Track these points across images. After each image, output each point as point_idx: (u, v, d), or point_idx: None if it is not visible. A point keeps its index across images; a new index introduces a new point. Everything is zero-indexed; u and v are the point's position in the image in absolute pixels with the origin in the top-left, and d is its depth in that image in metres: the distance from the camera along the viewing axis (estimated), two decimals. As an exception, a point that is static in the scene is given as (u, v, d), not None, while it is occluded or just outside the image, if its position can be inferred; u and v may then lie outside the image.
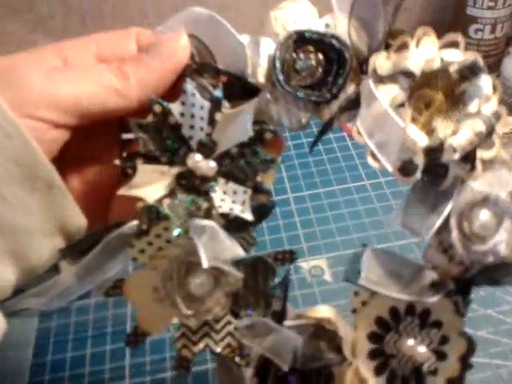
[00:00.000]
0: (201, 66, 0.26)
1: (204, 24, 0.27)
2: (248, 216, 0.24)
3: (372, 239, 0.53)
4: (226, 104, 0.25)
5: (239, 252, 0.24)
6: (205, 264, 0.23)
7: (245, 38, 0.26)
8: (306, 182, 0.60)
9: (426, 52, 0.26)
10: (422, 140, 0.25)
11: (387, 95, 0.26)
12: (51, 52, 0.25)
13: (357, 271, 0.27)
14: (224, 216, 0.24)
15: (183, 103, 0.25)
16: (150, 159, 0.25)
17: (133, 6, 0.68)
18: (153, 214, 0.24)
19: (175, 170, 0.25)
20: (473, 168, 0.26)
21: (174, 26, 0.27)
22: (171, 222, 0.24)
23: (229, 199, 0.25)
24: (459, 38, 0.27)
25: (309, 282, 0.51)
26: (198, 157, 0.25)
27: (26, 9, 0.66)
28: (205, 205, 0.24)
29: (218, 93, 0.25)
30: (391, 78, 0.26)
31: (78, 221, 0.25)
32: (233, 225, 0.24)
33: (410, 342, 0.28)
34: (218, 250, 0.24)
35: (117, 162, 0.25)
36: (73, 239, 0.25)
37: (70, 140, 0.24)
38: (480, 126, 0.26)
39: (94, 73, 0.24)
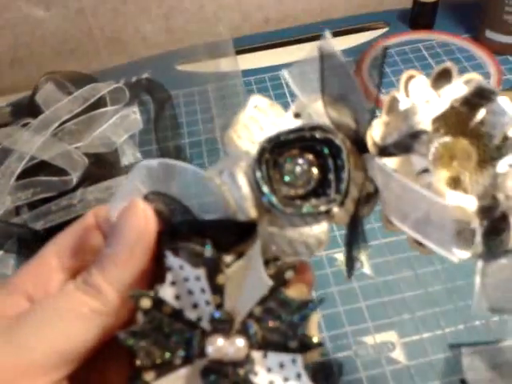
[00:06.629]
0: (177, 227, 0.20)
1: (161, 175, 0.21)
2: (315, 394, 0.18)
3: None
4: (225, 259, 0.20)
5: None
6: None
7: (214, 172, 0.21)
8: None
9: (422, 98, 0.21)
10: (470, 202, 0.20)
11: (403, 167, 0.21)
12: (8, 295, 0.20)
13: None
14: (285, 409, 0.18)
15: (173, 283, 0.19)
16: (162, 368, 0.19)
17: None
18: None
19: (198, 367, 0.19)
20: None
21: (129, 191, 0.22)
22: None
23: (278, 378, 0.19)
24: (448, 65, 0.22)
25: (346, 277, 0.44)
26: (219, 341, 0.19)
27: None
28: (253, 401, 0.18)
29: (209, 251, 0.19)
30: (399, 145, 0.21)
31: None
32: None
33: None
34: None
35: (122, 391, 0.19)
36: None
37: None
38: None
39: (63, 303, 0.19)
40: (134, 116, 0.52)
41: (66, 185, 0.46)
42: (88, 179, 0.47)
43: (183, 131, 0.60)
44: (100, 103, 0.51)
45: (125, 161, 0.50)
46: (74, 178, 0.46)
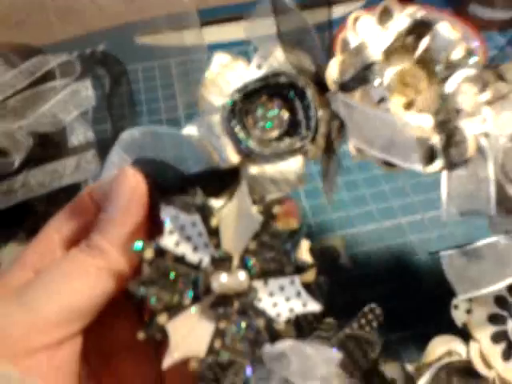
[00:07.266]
0: (166, 184, 0.22)
1: (144, 142, 0.23)
2: (314, 306, 0.20)
3: (396, 211, 0.43)
4: (216, 204, 0.21)
5: (330, 360, 0.20)
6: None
7: (192, 129, 0.22)
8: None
9: (371, 34, 0.23)
10: (426, 120, 0.22)
11: (362, 101, 0.23)
12: (17, 270, 0.21)
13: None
14: (290, 323, 0.20)
15: (171, 232, 0.21)
16: (173, 310, 0.21)
17: None
18: (216, 368, 0.20)
19: (207, 304, 0.21)
20: (484, 119, 0.24)
21: (116, 162, 0.23)
22: (238, 365, 0.20)
23: (281, 299, 0.21)
24: (387, 3, 0.24)
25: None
26: (222, 277, 0.21)
27: None
28: (261, 322, 0.20)
29: (199, 198, 0.21)
30: (356, 79, 0.23)
31: None
32: (306, 328, 0.20)
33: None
34: (308, 373, 0.19)
35: (141, 335, 0.20)
36: None
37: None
38: (463, 74, 0.24)
39: (69, 265, 0.20)
40: (86, 91, 0.45)
41: (6, 167, 0.41)
42: (31, 161, 0.42)
43: (142, 109, 0.55)
44: (48, 77, 0.45)
45: (74, 140, 0.44)
46: (16, 159, 0.41)
